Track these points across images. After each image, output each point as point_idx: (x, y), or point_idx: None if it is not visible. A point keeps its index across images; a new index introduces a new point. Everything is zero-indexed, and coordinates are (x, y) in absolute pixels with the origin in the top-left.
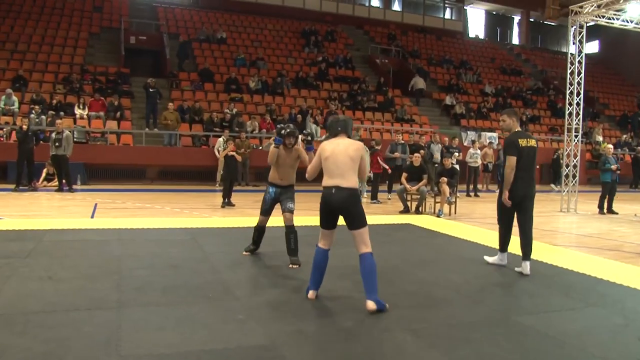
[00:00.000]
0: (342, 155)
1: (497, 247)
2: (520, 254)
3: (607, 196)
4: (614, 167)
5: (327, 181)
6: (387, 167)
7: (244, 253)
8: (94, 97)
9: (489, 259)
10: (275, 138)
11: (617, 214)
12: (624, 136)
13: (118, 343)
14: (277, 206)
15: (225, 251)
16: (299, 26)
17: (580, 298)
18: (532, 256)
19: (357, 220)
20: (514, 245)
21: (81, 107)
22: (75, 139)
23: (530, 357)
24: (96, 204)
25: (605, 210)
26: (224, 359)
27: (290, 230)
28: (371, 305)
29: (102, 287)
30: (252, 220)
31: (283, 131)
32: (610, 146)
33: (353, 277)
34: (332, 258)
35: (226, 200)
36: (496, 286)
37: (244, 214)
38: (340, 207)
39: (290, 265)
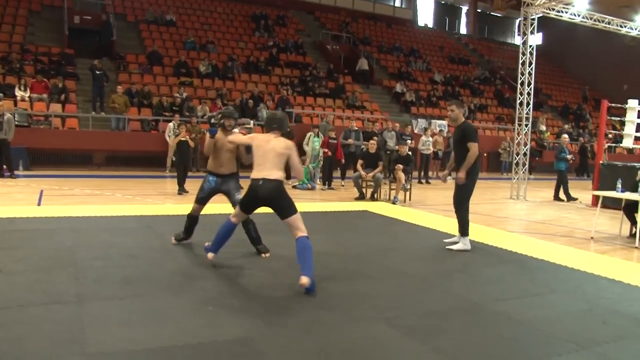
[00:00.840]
0: (271, 152)
1: (457, 233)
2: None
3: (562, 184)
4: (569, 156)
5: (255, 174)
6: (327, 151)
7: (173, 241)
8: (36, 78)
9: (453, 246)
10: (210, 129)
11: (576, 199)
12: (566, 126)
13: (82, 340)
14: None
15: (187, 241)
16: (249, 10)
17: (544, 284)
18: (491, 242)
19: (286, 209)
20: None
21: (22, 88)
22: (16, 122)
23: (505, 344)
24: (42, 191)
25: (564, 198)
26: (199, 355)
27: (247, 220)
28: (305, 280)
29: (58, 280)
30: (208, 208)
31: (213, 119)
32: (566, 136)
33: (321, 266)
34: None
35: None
36: (461, 273)
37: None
38: (268, 197)
39: (263, 255)
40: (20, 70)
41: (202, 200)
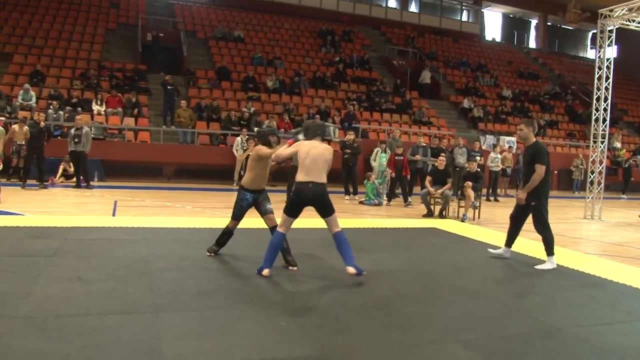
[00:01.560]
0: (320, 158)
1: (550, 259)
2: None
3: None
4: None
5: (303, 177)
6: (392, 172)
7: (207, 254)
8: (111, 93)
9: (541, 266)
10: (295, 137)
11: None
12: None
13: (159, 351)
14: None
15: (253, 253)
16: (316, 26)
17: (628, 310)
18: (567, 264)
19: (330, 209)
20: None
21: (99, 103)
22: (92, 135)
23: None
24: (116, 202)
25: None
26: None
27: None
28: (351, 269)
29: (134, 289)
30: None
31: (272, 138)
32: None
33: (391, 284)
34: (368, 264)
35: None
36: (537, 295)
37: None
38: (316, 199)
39: (291, 268)
40: (97, 85)
41: (239, 217)
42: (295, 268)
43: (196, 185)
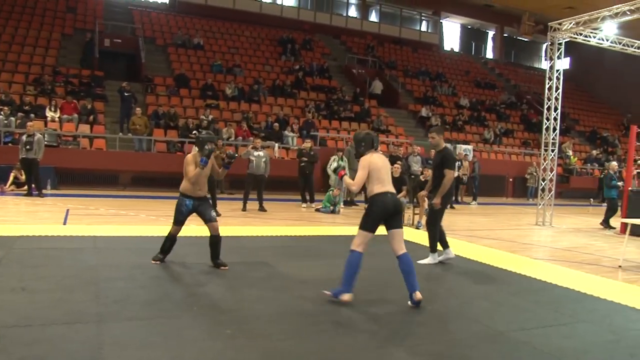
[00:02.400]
0: (387, 167)
1: (433, 255)
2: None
3: (611, 212)
4: (619, 183)
5: (382, 188)
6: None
7: (153, 262)
8: (67, 99)
9: (422, 260)
10: (202, 159)
11: (614, 228)
12: (594, 152)
13: None
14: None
15: (206, 262)
16: (276, 34)
17: (570, 313)
18: (515, 269)
19: (401, 220)
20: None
21: (53, 109)
22: (46, 142)
23: None
24: (68, 210)
25: (615, 226)
26: None
27: (217, 238)
28: (419, 295)
29: (80, 299)
30: (232, 230)
31: (208, 146)
32: (615, 163)
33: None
34: (320, 271)
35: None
36: (484, 300)
37: (222, 223)
38: (396, 209)
39: (222, 268)
40: (51, 91)
41: (181, 222)
42: (225, 268)
43: (153, 193)
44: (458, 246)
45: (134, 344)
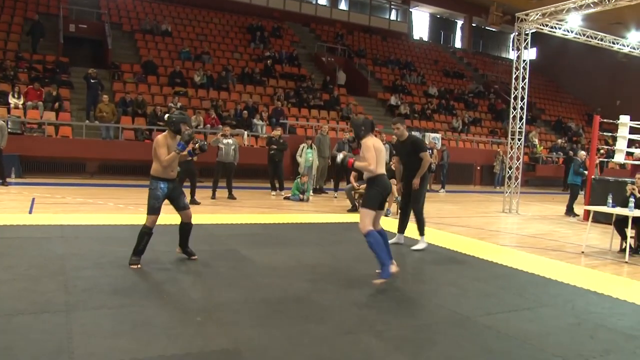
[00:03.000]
0: (384, 151)
1: (423, 239)
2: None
3: (573, 198)
4: (586, 172)
5: (382, 169)
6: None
7: (132, 266)
8: (33, 86)
9: (416, 246)
10: (180, 143)
11: (577, 215)
12: (559, 140)
13: (70, 350)
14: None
15: (174, 250)
16: (245, 21)
17: (534, 298)
18: (482, 256)
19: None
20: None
21: (16, 96)
22: (9, 130)
23: (494, 358)
24: (34, 199)
25: (579, 213)
26: None
27: (189, 226)
28: (396, 267)
29: (47, 289)
30: (201, 217)
31: (187, 131)
32: (583, 153)
33: (311, 278)
34: (289, 259)
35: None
36: (451, 286)
37: (192, 211)
38: (389, 189)
39: (192, 258)
40: (14, 77)
41: (158, 209)
42: (195, 257)
43: (120, 182)
44: (427, 234)
45: (103, 332)
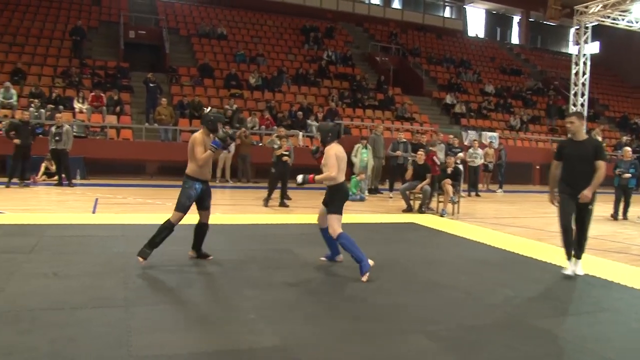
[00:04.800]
0: (346, 159)
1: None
2: None
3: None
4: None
5: (343, 177)
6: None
7: (139, 258)
8: (94, 91)
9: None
10: (215, 141)
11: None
12: (624, 138)
13: (129, 343)
14: None
15: (230, 249)
16: (299, 23)
17: (594, 302)
18: (540, 257)
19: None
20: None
21: (80, 101)
22: (74, 133)
23: None
24: (97, 199)
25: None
26: None
27: (206, 227)
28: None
29: (109, 285)
30: (256, 218)
31: (223, 131)
32: (628, 149)
33: (366, 282)
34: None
35: (283, 199)
36: (506, 288)
37: (245, 211)
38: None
39: (209, 258)
40: (78, 83)
41: (187, 208)
42: (211, 257)
43: (178, 182)
44: (482, 233)
45: (160, 327)
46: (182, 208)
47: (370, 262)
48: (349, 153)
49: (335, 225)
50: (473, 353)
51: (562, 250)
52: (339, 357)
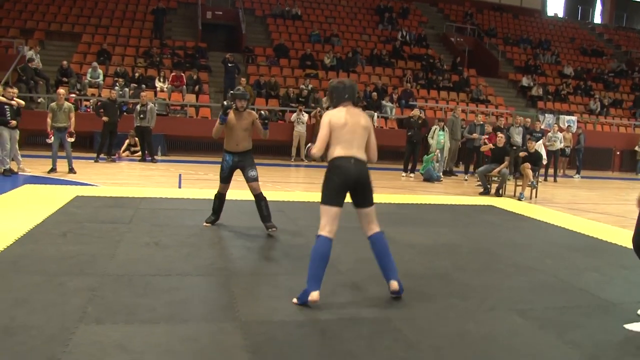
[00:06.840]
0: (358, 126)
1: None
2: None
3: None
4: None
5: (342, 151)
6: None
7: (205, 224)
8: (174, 71)
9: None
10: (220, 116)
11: None
12: None
13: (236, 309)
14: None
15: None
16: (373, 3)
17: None
18: (625, 244)
19: (372, 196)
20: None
21: (161, 80)
22: (156, 112)
23: None
24: (180, 175)
25: None
26: (343, 328)
27: (260, 197)
28: (396, 284)
29: (207, 255)
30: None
31: (226, 102)
32: None
33: (449, 257)
34: (426, 238)
35: None
36: (595, 272)
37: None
38: (361, 180)
39: (271, 230)
40: (159, 63)
41: (225, 179)
42: (274, 229)
43: (256, 160)
44: (562, 219)
45: (262, 295)
46: (221, 179)
47: (315, 296)
48: (424, 134)
49: (322, 220)
50: (567, 332)
51: None
52: (438, 330)
